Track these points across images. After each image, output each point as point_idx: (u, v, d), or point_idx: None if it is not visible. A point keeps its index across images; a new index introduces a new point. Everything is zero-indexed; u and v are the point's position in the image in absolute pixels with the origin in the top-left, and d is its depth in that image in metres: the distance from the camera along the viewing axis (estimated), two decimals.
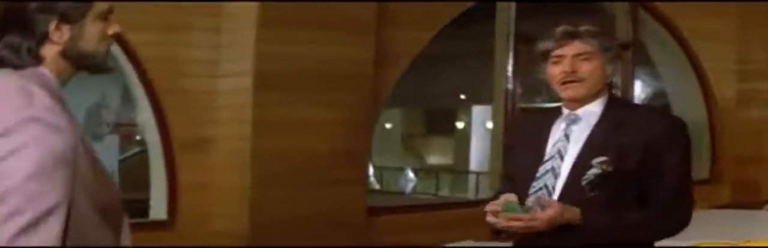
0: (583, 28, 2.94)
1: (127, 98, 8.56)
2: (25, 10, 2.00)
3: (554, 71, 2.94)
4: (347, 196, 5.04)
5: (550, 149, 2.95)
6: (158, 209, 5.18)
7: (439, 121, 17.94)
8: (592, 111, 2.95)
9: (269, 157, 4.89)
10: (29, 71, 2.02)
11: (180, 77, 5.16)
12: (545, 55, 2.97)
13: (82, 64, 2.11)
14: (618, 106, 2.98)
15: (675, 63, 7.16)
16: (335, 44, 5.05)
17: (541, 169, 2.93)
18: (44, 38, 2.03)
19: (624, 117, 2.91)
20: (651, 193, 2.87)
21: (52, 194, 1.86)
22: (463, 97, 17.09)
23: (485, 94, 6.10)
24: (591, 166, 2.81)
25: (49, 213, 1.85)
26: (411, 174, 16.56)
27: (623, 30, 6.82)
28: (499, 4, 6.20)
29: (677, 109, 7.23)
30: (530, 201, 2.83)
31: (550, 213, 2.74)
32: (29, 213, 1.82)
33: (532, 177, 2.93)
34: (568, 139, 2.94)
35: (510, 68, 6.16)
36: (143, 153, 8.26)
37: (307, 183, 4.89)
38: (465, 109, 17.51)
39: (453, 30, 5.87)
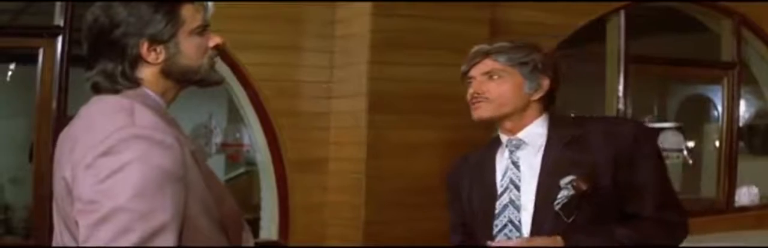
0: (495, 45, 2.77)
1: (233, 118, 8.62)
2: (111, 36, 2.00)
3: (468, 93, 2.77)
4: None
5: (500, 181, 2.69)
6: (269, 229, 5.20)
7: None
8: (536, 132, 2.72)
9: (383, 178, 4.88)
10: (131, 92, 2.03)
11: (292, 98, 5.18)
12: (463, 78, 2.83)
13: (189, 79, 2.11)
14: (565, 123, 2.75)
15: None
16: (449, 65, 4.99)
17: (498, 205, 2.66)
18: (137, 61, 2.03)
19: (577, 132, 2.67)
20: (635, 210, 2.59)
21: (162, 211, 1.84)
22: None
23: (597, 115, 6.00)
24: (560, 188, 2.53)
25: (160, 230, 1.82)
26: None
27: (728, 49, 6.71)
28: (609, 24, 6.13)
29: None
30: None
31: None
32: (140, 231, 1.80)
33: (490, 215, 2.65)
34: (518, 166, 2.68)
35: (621, 88, 6.08)
36: (249, 174, 8.32)
37: (422, 205, 4.85)
38: None
39: (564, 50, 5.81)
